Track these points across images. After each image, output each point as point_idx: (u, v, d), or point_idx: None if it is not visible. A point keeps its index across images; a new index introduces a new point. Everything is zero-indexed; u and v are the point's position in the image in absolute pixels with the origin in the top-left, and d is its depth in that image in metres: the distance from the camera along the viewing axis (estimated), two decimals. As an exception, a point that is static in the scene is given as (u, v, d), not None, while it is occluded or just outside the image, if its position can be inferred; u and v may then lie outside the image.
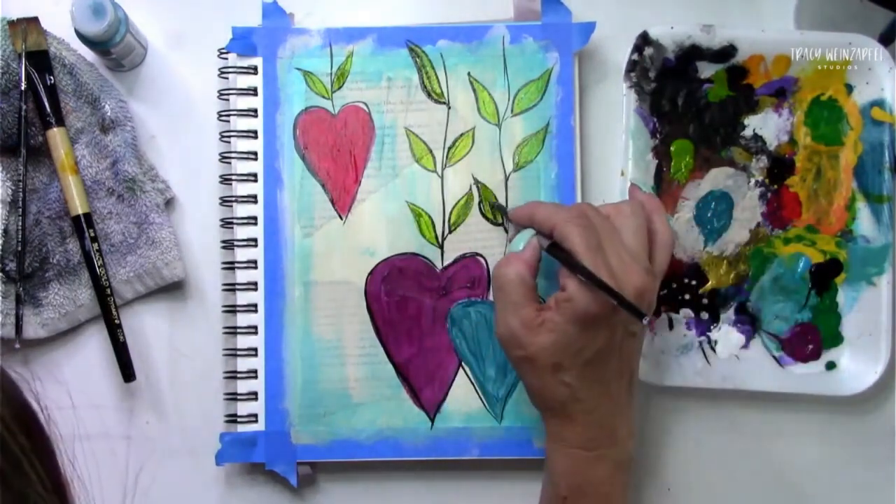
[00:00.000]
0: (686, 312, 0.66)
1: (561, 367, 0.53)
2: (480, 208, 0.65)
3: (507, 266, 0.55)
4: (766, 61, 0.66)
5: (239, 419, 0.64)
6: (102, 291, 0.64)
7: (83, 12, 0.61)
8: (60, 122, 0.64)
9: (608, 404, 0.55)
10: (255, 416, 0.64)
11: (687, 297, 0.66)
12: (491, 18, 0.67)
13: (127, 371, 0.64)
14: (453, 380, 0.65)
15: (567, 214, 0.54)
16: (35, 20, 0.64)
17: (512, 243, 0.57)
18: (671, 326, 0.66)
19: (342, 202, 0.65)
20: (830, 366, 0.66)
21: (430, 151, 0.66)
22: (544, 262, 0.58)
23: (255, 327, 0.65)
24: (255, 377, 0.64)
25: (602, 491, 0.56)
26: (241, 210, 0.65)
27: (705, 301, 0.66)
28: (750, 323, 0.66)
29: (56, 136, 0.64)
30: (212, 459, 0.64)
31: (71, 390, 0.66)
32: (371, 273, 0.65)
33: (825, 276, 0.66)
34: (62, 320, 0.65)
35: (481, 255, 0.65)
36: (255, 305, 0.65)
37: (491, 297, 0.65)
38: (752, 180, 0.67)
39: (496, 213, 0.65)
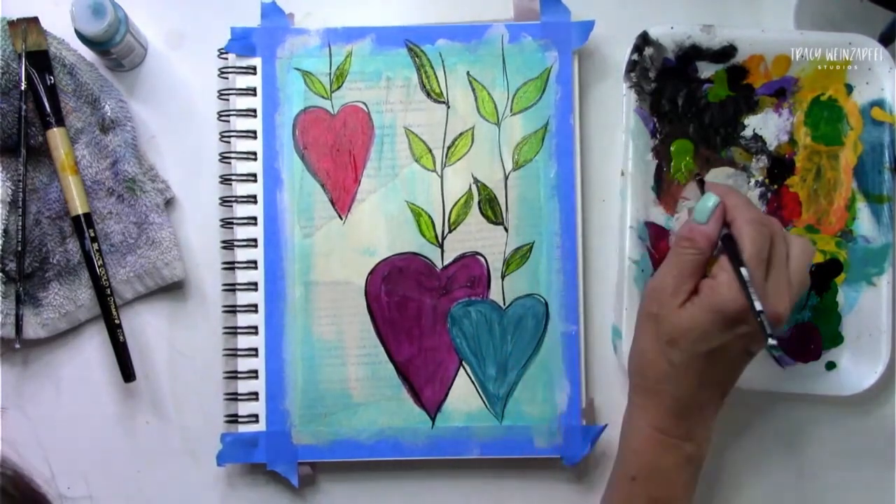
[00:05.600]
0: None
1: (676, 345, 0.54)
2: (480, 207, 0.66)
3: (693, 234, 0.55)
4: (766, 61, 0.66)
5: (240, 419, 0.64)
6: (102, 291, 0.64)
7: (83, 12, 0.61)
8: (60, 122, 0.64)
9: (697, 401, 0.56)
10: (256, 416, 0.64)
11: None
12: (490, 18, 0.67)
13: (127, 371, 0.64)
14: (454, 379, 0.65)
15: (752, 216, 0.54)
16: (35, 20, 0.64)
17: (697, 208, 0.56)
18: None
19: (342, 202, 0.65)
20: (830, 366, 0.66)
21: (430, 151, 0.66)
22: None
23: (256, 328, 0.65)
24: (256, 377, 0.64)
25: (669, 478, 0.56)
26: (241, 210, 0.65)
27: (705, 301, 0.66)
28: (750, 323, 0.66)
29: (56, 136, 0.64)
30: (212, 460, 0.64)
31: (71, 390, 0.66)
32: (371, 273, 0.65)
33: (825, 276, 0.66)
34: (62, 320, 0.65)
35: (481, 255, 0.65)
36: (256, 306, 0.65)
37: (491, 297, 0.65)
38: (752, 180, 0.67)
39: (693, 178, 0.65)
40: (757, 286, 0.52)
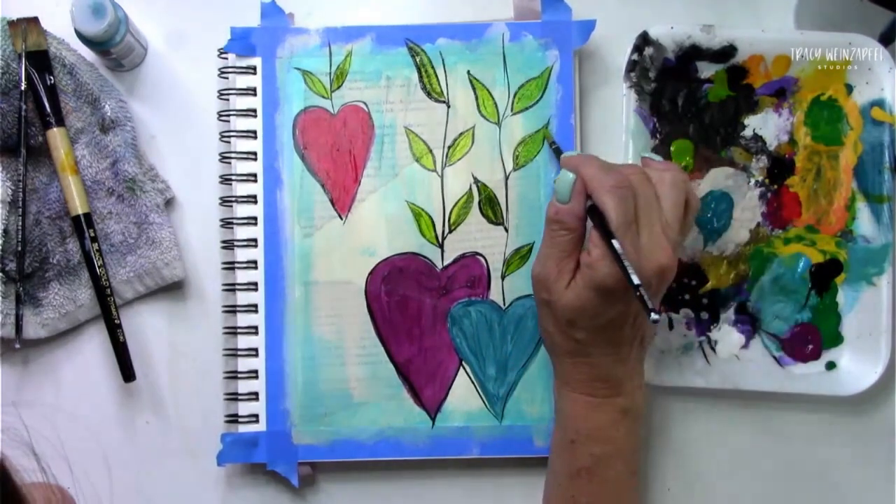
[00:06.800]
0: (686, 312, 0.66)
1: (575, 325, 0.55)
2: (480, 207, 0.65)
3: (559, 215, 0.55)
4: (766, 61, 0.66)
5: (240, 419, 0.64)
6: (102, 291, 0.64)
7: (83, 12, 0.61)
8: (60, 122, 0.64)
9: (616, 363, 0.57)
10: (256, 416, 0.64)
11: (687, 297, 0.66)
12: (490, 18, 0.67)
13: (127, 371, 0.64)
14: (454, 379, 0.65)
15: (609, 182, 0.53)
16: (35, 20, 0.64)
17: (557, 189, 0.55)
18: (671, 326, 0.66)
19: (342, 202, 0.65)
20: (830, 366, 0.66)
21: (430, 151, 0.66)
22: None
23: (256, 327, 0.65)
24: (256, 377, 0.64)
25: (608, 434, 0.57)
26: (241, 210, 0.65)
27: (705, 301, 0.66)
28: (750, 323, 0.66)
29: (56, 136, 0.64)
30: (212, 459, 0.64)
31: (71, 390, 0.66)
32: (371, 273, 0.65)
33: (825, 276, 0.66)
34: (62, 320, 0.65)
35: (481, 255, 0.65)
36: (256, 306, 0.65)
37: (491, 297, 0.65)
38: (752, 180, 0.67)
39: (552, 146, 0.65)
40: (631, 251, 0.51)
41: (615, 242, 0.51)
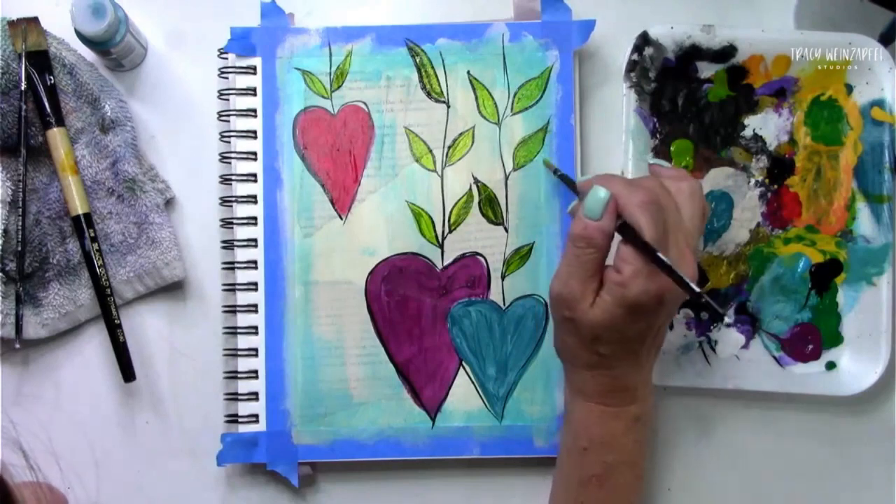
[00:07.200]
0: (686, 312, 0.66)
1: (599, 340, 0.54)
2: (480, 207, 0.65)
3: (588, 231, 0.53)
4: (766, 61, 0.66)
5: (240, 419, 0.64)
6: (102, 291, 0.64)
7: (83, 12, 0.61)
8: (60, 122, 0.64)
9: (634, 371, 0.56)
10: (256, 416, 0.64)
11: (687, 297, 0.66)
12: (490, 18, 0.67)
13: (127, 371, 0.64)
14: (454, 379, 0.65)
15: (639, 198, 0.52)
16: (35, 20, 0.64)
17: (588, 205, 0.53)
18: (671, 326, 0.66)
19: (342, 202, 0.65)
20: (830, 366, 0.66)
21: (430, 151, 0.66)
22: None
23: (256, 328, 0.65)
24: (256, 377, 0.64)
25: (620, 442, 0.57)
26: (241, 210, 0.65)
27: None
28: (750, 323, 0.66)
29: (56, 136, 0.64)
30: (212, 459, 0.64)
31: (71, 390, 0.66)
32: (371, 273, 0.65)
33: (825, 276, 0.66)
34: (62, 320, 0.65)
35: (481, 255, 0.65)
36: (256, 306, 0.65)
37: (491, 297, 0.65)
38: (752, 180, 0.67)
39: (557, 173, 0.63)
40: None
41: (661, 255, 0.50)
